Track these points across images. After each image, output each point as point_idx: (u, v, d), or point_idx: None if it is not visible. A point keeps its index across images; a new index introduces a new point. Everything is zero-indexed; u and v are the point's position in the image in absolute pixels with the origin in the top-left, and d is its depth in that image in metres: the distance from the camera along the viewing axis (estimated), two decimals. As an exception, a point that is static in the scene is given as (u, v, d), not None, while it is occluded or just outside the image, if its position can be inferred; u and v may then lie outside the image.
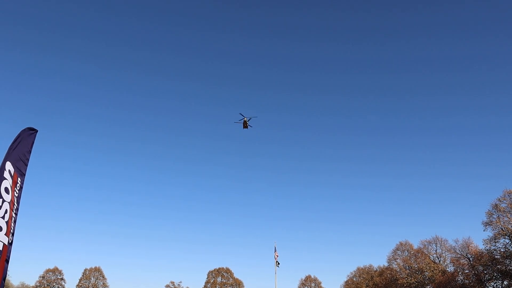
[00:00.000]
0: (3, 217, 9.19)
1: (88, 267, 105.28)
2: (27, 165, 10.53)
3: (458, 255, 67.23)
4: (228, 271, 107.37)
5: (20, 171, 10.22)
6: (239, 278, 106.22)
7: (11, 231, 9.61)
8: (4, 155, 9.57)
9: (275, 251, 47.65)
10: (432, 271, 71.64)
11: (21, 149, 10.22)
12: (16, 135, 10.04)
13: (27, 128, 10.50)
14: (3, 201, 9.22)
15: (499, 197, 58.80)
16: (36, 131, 10.92)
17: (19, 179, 10.11)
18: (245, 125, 54.48)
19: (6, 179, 9.48)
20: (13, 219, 9.71)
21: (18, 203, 10.10)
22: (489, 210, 58.50)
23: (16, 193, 10.01)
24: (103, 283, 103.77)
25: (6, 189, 9.43)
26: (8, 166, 9.63)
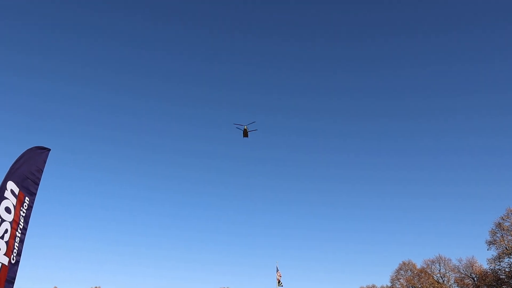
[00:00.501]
0: (2, 237, 9.12)
1: (89, 287, 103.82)
2: (38, 184, 10.48)
3: (462, 275, 66.38)
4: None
5: (29, 190, 10.16)
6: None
7: (15, 251, 9.53)
8: (5, 174, 9.53)
9: (277, 270, 47.01)
10: (436, 291, 70.49)
11: (28, 168, 10.17)
12: (20, 155, 10.00)
13: (35, 147, 10.48)
14: (3, 220, 9.17)
15: (503, 215, 58.21)
16: (49, 150, 10.93)
17: (26, 198, 10.05)
18: (245, 134, 52.26)
19: (8, 198, 9.42)
20: (17, 238, 9.66)
21: (26, 222, 10.02)
22: (492, 229, 57.70)
23: (23, 212, 9.94)
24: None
25: (7, 209, 9.37)
26: (10, 185, 9.57)
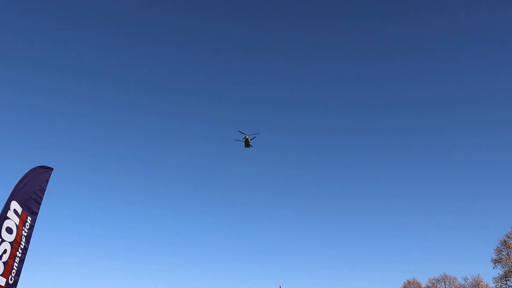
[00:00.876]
0: (0, 258, 9.13)
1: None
2: (40, 204, 10.56)
3: (468, 294, 65.03)
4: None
5: (31, 209, 10.22)
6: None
7: (14, 271, 9.53)
8: (9, 194, 9.60)
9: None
10: (442, 311, 69.19)
11: (31, 187, 10.25)
12: (24, 174, 10.09)
13: (38, 166, 10.58)
14: (3, 240, 9.20)
15: (508, 233, 56.58)
16: (51, 169, 11.02)
17: (28, 218, 10.10)
18: (247, 144, 49.01)
19: (10, 218, 9.47)
20: (17, 258, 9.68)
21: (27, 242, 10.05)
22: (497, 247, 55.88)
23: (25, 232, 9.97)
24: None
25: (9, 229, 9.41)
26: (14, 205, 9.63)
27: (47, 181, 10.84)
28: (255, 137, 48.19)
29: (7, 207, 9.41)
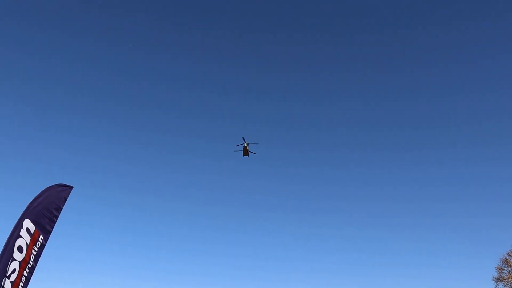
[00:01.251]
0: (8, 277, 8.99)
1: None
2: (54, 222, 10.39)
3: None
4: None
5: (44, 228, 10.06)
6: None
7: None
8: (22, 212, 9.42)
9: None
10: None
11: (46, 205, 10.08)
12: (39, 192, 9.90)
13: (56, 185, 10.43)
14: (13, 260, 9.07)
15: (509, 251, 52.99)
16: (71, 187, 10.84)
17: (40, 236, 9.92)
18: (245, 152, 46.20)
19: (22, 237, 9.31)
20: (24, 278, 9.53)
21: (35, 261, 9.86)
22: (499, 265, 52.33)
23: (35, 251, 9.78)
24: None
25: (20, 248, 9.25)
26: (27, 223, 9.47)
27: (65, 200, 10.66)
28: (257, 143, 46.15)
29: (19, 226, 9.27)
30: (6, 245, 8.89)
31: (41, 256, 9.95)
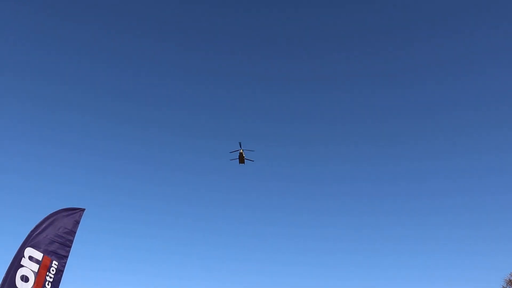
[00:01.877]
0: None
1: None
2: (69, 247, 10.30)
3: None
4: None
5: (57, 253, 10.03)
6: None
7: None
8: (22, 242, 9.63)
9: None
10: None
11: (54, 231, 10.13)
12: (41, 220, 10.07)
13: (62, 209, 10.46)
14: None
15: None
16: (82, 210, 10.73)
17: (54, 262, 9.88)
18: (241, 160, 43.13)
19: (25, 266, 9.40)
20: None
21: (54, 287, 9.70)
22: (503, 286, 44.30)
23: (50, 277, 9.72)
24: None
25: (24, 277, 9.29)
26: (30, 252, 9.60)
27: (78, 223, 10.45)
28: (253, 150, 42.83)
29: (19, 256, 9.49)
30: (5, 278, 9.12)
31: (61, 282, 9.75)
